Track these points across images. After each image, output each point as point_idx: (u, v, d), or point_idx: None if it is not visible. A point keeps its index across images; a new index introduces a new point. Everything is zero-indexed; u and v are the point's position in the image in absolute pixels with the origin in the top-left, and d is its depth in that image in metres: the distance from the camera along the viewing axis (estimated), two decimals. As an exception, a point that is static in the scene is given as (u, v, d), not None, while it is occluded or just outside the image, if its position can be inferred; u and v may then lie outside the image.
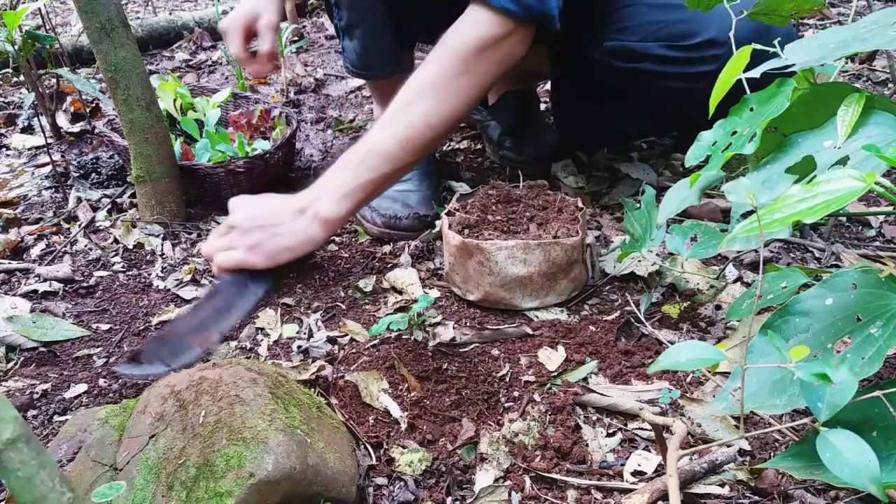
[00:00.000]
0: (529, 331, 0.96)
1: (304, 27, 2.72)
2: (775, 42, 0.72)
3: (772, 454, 0.76)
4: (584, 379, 0.88)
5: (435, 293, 1.07)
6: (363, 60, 1.18)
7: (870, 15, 0.67)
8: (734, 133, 0.74)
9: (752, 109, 0.73)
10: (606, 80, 1.26)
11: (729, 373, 0.83)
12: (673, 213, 0.81)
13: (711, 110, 0.75)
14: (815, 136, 0.67)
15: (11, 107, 1.98)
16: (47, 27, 1.86)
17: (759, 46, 0.71)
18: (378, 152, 1.04)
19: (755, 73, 0.71)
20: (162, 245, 1.24)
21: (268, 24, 1.21)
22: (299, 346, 0.97)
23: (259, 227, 1.03)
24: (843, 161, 0.62)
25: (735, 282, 1.03)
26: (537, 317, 1.00)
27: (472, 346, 0.95)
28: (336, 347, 0.96)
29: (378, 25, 1.12)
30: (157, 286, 1.14)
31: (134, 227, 1.28)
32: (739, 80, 0.74)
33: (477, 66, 1.02)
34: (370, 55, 1.17)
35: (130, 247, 1.24)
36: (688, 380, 0.87)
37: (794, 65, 0.67)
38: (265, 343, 0.99)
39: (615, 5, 1.23)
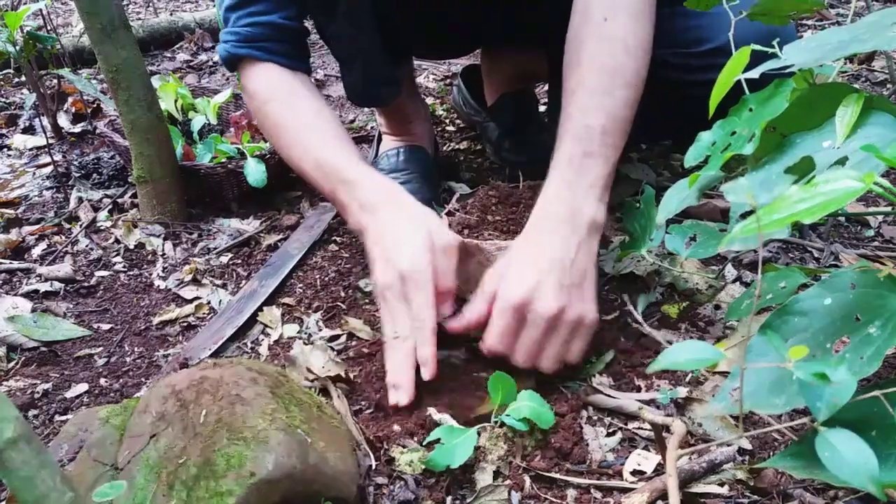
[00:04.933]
0: (529, 331, 0.96)
1: (304, 28, 2.72)
2: (774, 42, 0.72)
3: (771, 453, 0.76)
4: (587, 379, 0.87)
5: (435, 293, 1.07)
6: (363, 93, 1.21)
7: (868, 16, 0.67)
8: (733, 133, 0.74)
9: (751, 110, 0.74)
10: None
11: (728, 372, 0.83)
12: (672, 213, 0.81)
13: (711, 111, 0.75)
14: (813, 136, 0.67)
15: (13, 107, 1.98)
16: (48, 28, 1.86)
17: (757, 47, 0.71)
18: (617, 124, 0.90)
19: (754, 73, 0.72)
20: (163, 245, 1.24)
21: None
22: (300, 346, 0.97)
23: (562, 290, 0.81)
24: (841, 161, 0.62)
25: (734, 282, 1.03)
26: (537, 317, 1.00)
27: (472, 346, 0.95)
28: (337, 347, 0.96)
29: (373, 60, 1.13)
30: (159, 286, 1.14)
31: (135, 227, 1.28)
32: (739, 81, 0.74)
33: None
34: (368, 88, 1.19)
35: (131, 247, 1.24)
36: (687, 379, 0.87)
37: (792, 65, 0.67)
38: (266, 343, 0.99)
39: None
